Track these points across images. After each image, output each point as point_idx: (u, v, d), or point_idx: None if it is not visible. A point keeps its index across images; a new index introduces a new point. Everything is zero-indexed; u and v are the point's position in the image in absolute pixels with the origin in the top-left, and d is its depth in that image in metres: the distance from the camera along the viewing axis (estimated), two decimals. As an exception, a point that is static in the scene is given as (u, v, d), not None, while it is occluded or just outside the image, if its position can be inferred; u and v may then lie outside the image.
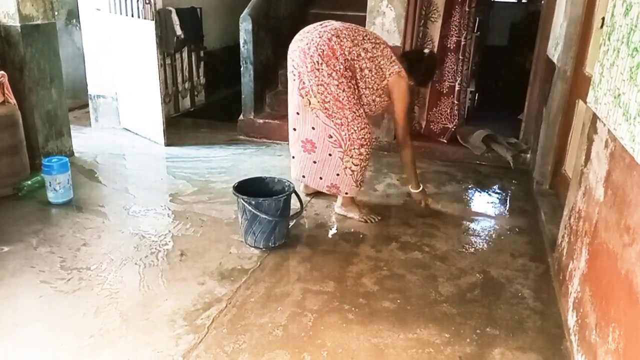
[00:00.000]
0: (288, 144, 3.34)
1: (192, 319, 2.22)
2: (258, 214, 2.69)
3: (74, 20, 5.53)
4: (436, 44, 4.27)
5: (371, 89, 2.98)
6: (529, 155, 4.21)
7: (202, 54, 5.79)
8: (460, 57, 4.30)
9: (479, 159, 4.32)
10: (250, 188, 2.85)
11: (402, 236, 3.03)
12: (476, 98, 5.55)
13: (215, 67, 6.10)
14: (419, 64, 3.11)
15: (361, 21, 4.48)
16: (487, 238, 3.08)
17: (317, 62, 2.84)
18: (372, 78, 2.95)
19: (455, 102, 4.41)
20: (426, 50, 3.62)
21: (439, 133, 4.52)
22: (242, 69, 4.89)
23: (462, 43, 4.27)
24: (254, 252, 2.79)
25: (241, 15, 4.77)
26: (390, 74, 2.94)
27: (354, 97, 2.92)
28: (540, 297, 2.47)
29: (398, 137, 3.16)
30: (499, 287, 2.55)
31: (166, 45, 5.05)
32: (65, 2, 5.45)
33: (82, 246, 2.80)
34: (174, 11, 5.01)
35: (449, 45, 4.32)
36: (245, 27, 4.75)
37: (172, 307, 2.31)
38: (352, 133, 2.96)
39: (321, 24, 3.00)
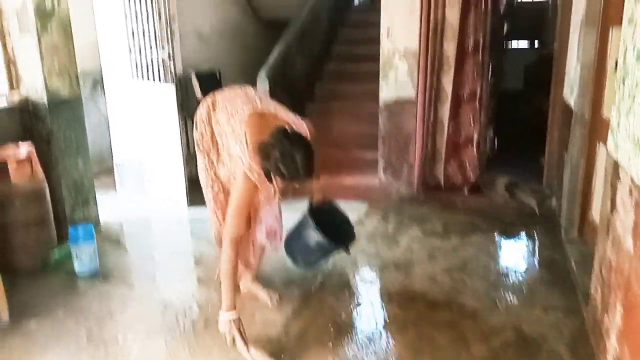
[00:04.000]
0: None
1: (219, 392, 2.18)
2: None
3: (100, 89, 5.74)
4: (450, 95, 4.29)
5: (225, 165, 2.64)
6: (553, 201, 4.14)
7: (221, 114, 5.92)
8: (477, 106, 4.32)
9: (503, 207, 4.26)
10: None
11: (428, 294, 2.97)
12: (495, 143, 5.53)
13: (235, 126, 6.23)
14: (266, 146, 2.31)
15: (375, 75, 4.58)
16: (517, 291, 2.99)
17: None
18: (225, 151, 2.61)
19: (475, 151, 4.40)
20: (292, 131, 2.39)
21: (459, 185, 4.49)
22: (260, 127, 4.98)
23: (478, 92, 4.30)
24: (277, 319, 2.75)
25: (258, 76, 4.91)
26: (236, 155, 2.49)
27: (207, 175, 2.75)
28: (578, 355, 2.37)
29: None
30: (533, 346, 2.46)
31: (187, 109, 5.18)
32: (91, 72, 5.68)
33: (109, 317, 2.81)
34: (194, 75, 5.17)
35: (463, 95, 4.35)
36: (262, 87, 4.88)
37: (198, 379, 2.27)
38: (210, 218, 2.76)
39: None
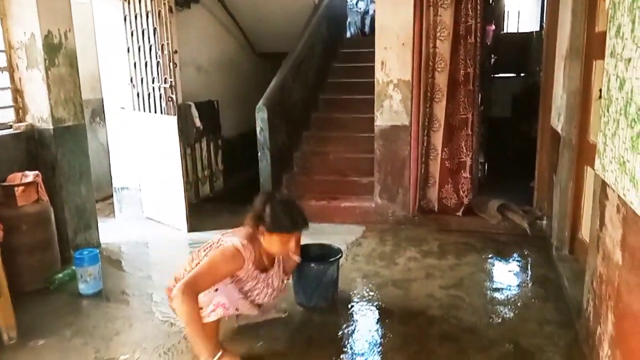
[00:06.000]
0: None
1: (228, 405, 2.23)
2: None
3: (98, 119, 5.88)
4: (442, 122, 4.46)
5: None
6: (544, 222, 4.28)
7: (219, 142, 6.07)
8: (469, 132, 4.48)
9: (496, 228, 4.39)
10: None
11: (428, 309, 3.07)
12: (486, 168, 5.70)
13: (232, 153, 6.37)
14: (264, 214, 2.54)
15: (370, 104, 4.76)
16: (513, 307, 3.09)
17: None
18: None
19: (468, 175, 4.54)
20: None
21: (453, 208, 4.61)
22: (259, 154, 5.12)
23: (470, 119, 4.47)
24: (281, 335, 2.82)
25: (257, 106, 5.07)
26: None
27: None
28: (573, 365, 2.47)
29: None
30: (530, 357, 2.55)
31: (186, 136, 5.33)
32: (90, 102, 5.82)
33: (115, 336, 2.86)
34: (193, 105, 5.34)
35: (454, 123, 4.51)
36: (261, 116, 5.04)
37: (207, 393, 2.32)
38: None
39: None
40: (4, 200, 3.38)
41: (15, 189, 3.41)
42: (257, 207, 2.56)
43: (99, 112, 5.68)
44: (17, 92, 3.89)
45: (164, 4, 4.51)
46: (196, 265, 2.51)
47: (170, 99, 4.56)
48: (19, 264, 3.35)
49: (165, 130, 4.62)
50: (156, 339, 2.81)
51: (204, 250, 2.63)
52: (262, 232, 2.54)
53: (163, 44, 4.56)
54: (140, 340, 2.80)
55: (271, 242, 2.55)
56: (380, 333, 2.84)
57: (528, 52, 7.87)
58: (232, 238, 2.54)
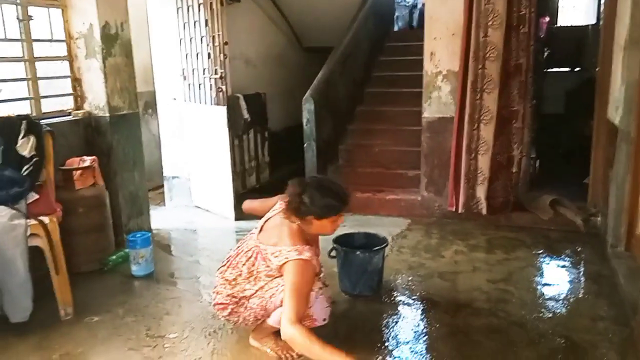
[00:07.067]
0: (351, 214, 3.55)
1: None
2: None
3: (150, 110, 6.06)
4: (495, 114, 4.31)
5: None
6: (599, 219, 4.12)
7: (266, 134, 6.14)
8: (520, 126, 4.34)
9: (547, 224, 4.25)
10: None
11: (475, 302, 3.01)
12: (537, 165, 5.53)
13: (278, 146, 6.43)
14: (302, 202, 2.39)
15: (416, 97, 4.71)
16: (564, 302, 2.99)
17: None
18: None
19: (516, 170, 4.39)
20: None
21: (503, 203, 4.46)
22: (305, 145, 5.15)
23: (521, 112, 4.33)
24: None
25: (304, 97, 5.11)
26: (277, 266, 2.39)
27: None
28: (629, 362, 2.37)
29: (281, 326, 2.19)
30: (582, 352, 2.47)
31: (235, 128, 5.41)
32: (143, 94, 5.99)
33: (165, 315, 2.96)
34: (241, 97, 5.41)
35: (507, 115, 4.37)
36: (308, 107, 5.07)
37: (253, 372, 2.37)
38: None
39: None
40: (63, 184, 3.53)
41: (74, 172, 3.57)
42: (295, 200, 2.40)
43: (151, 104, 5.85)
44: (75, 81, 4.06)
45: (216, -4, 4.60)
46: (239, 276, 2.50)
47: (220, 89, 4.65)
48: (75, 244, 3.49)
49: (215, 121, 4.71)
50: (204, 320, 2.89)
51: (246, 261, 2.52)
52: (310, 220, 2.42)
53: (214, 36, 4.65)
54: (189, 321, 2.88)
55: (322, 226, 2.45)
56: (425, 323, 2.81)
57: (584, 46, 7.58)
58: (285, 251, 2.36)
